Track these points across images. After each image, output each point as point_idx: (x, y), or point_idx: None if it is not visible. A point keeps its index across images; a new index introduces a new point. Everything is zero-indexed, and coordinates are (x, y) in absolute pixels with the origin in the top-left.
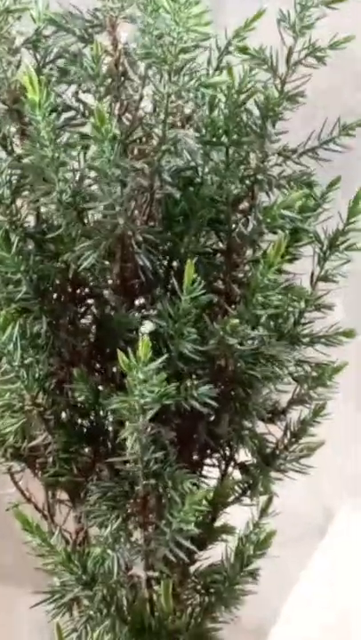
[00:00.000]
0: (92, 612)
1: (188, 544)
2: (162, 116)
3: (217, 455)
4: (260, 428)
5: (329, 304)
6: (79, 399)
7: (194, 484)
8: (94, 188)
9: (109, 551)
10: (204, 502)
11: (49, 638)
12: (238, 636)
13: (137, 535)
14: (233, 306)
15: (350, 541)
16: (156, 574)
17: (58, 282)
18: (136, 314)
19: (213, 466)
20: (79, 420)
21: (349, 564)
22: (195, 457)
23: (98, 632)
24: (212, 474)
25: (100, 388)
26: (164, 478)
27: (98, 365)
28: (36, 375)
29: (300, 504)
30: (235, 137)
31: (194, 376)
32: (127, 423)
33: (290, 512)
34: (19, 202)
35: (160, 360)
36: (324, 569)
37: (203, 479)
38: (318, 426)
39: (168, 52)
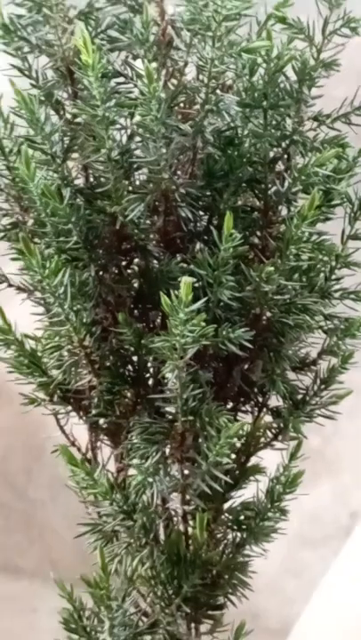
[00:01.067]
0: (131, 540)
1: (223, 476)
2: (205, 80)
3: (250, 403)
4: (291, 377)
5: (358, 262)
6: (123, 343)
7: (229, 420)
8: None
9: (150, 479)
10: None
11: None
12: (263, 634)
13: (174, 471)
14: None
15: None
16: (192, 508)
17: (105, 234)
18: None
19: (246, 412)
20: (123, 366)
21: None
22: (229, 404)
23: (137, 559)
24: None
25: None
26: (202, 415)
27: (140, 314)
28: (84, 320)
29: (326, 507)
30: (273, 100)
31: (230, 323)
32: (168, 362)
33: (316, 515)
34: (69, 164)
35: (201, 302)
36: (349, 569)
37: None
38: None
39: (212, 19)
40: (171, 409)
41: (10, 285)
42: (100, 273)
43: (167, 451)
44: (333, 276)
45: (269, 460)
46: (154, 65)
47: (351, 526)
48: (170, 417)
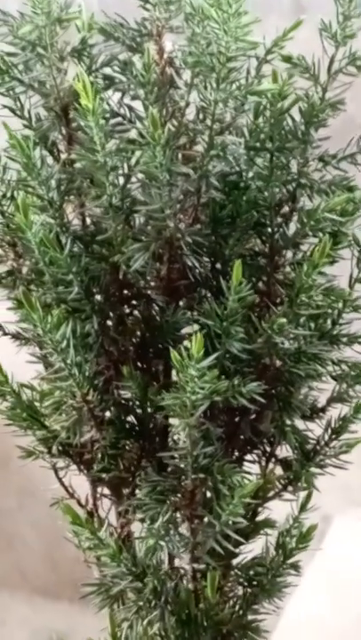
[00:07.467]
0: (141, 603)
1: (234, 535)
2: (209, 123)
3: (257, 452)
4: (299, 425)
5: None
6: (128, 396)
7: (243, 478)
8: (140, 193)
9: (161, 542)
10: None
11: None
12: None
13: (183, 529)
14: (276, 307)
15: (348, 550)
16: (202, 566)
17: (107, 282)
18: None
19: (253, 462)
20: (127, 418)
21: (346, 572)
22: (236, 453)
23: (147, 621)
24: (251, 469)
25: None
26: (213, 473)
27: (143, 364)
28: (87, 373)
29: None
30: (279, 143)
31: (240, 375)
32: (178, 420)
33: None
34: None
35: (212, 357)
36: (322, 575)
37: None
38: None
39: (217, 60)
40: (180, 464)
41: (5, 334)
42: (103, 323)
43: (176, 505)
44: (341, 321)
45: (274, 509)
46: (156, 110)
47: (324, 530)
48: (176, 472)
